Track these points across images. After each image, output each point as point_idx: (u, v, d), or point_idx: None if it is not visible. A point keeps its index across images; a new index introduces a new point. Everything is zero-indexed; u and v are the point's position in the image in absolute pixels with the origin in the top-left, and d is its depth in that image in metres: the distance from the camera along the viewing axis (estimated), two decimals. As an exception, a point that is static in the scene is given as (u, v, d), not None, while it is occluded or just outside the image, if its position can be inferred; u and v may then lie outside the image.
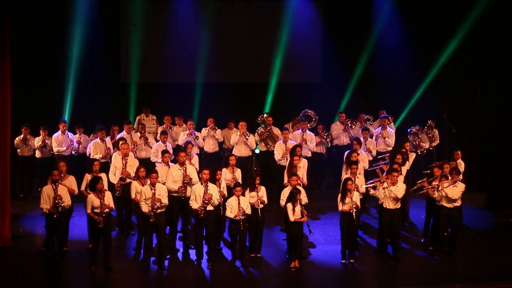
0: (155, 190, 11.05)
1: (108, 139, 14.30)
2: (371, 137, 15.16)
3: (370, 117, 16.17)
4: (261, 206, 11.58)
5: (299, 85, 18.63)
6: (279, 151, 14.01)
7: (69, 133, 14.98)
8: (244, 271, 11.27)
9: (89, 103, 17.29)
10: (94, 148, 13.96)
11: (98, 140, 14.10)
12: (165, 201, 11.15)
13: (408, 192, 12.30)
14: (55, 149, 14.79)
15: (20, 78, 15.87)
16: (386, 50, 18.02)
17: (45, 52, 16.92)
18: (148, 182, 11.29)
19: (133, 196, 11.61)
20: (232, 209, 11.27)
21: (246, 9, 18.27)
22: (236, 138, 14.81)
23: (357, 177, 12.06)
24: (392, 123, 16.08)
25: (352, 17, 18.18)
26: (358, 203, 11.51)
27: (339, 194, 11.53)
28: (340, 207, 11.45)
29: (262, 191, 11.68)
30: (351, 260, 11.56)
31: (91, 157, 13.79)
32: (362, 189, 12.03)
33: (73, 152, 14.83)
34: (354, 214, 11.35)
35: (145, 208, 11.02)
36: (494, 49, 15.46)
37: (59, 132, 14.85)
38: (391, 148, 14.99)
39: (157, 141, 14.67)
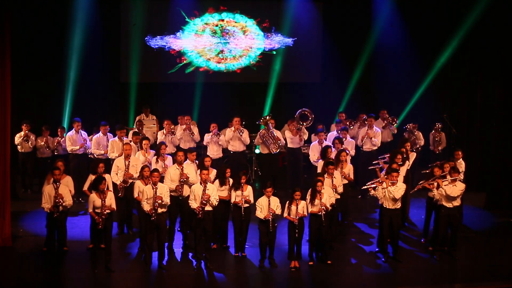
0: (156, 188, 11.06)
1: (125, 138, 14.24)
2: (353, 137, 15.22)
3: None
4: (246, 205, 11.56)
5: (299, 85, 18.66)
6: (314, 153, 13.94)
7: (82, 132, 14.97)
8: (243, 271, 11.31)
9: (89, 103, 17.31)
10: (112, 147, 13.91)
11: (116, 139, 14.03)
12: (167, 200, 11.16)
13: (408, 192, 12.29)
14: (68, 148, 14.79)
15: (20, 77, 15.89)
16: (386, 50, 18.04)
17: (45, 52, 16.96)
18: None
19: (135, 195, 11.59)
20: (262, 209, 11.24)
21: (246, 9, 18.29)
22: (230, 134, 14.82)
23: (334, 177, 11.97)
24: (394, 124, 16.10)
25: (352, 17, 18.20)
26: (328, 205, 11.33)
27: (308, 196, 11.39)
28: (310, 209, 11.31)
29: (248, 190, 11.65)
30: (329, 262, 11.48)
31: (108, 156, 13.83)
32: (340, 189, 12.00)
33: (87, 151, 14.81)
34: (323, 216, 11.23)
35: (146, 207, 11.03)
36: (494, 48, 15.46)
37: (73, 131, 14.83)
38: (376, 148, 15.14)
39: (155, 141, 14.63)
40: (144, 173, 11.57)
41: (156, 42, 17.89)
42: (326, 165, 12.07)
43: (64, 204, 10.90)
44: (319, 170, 12.86)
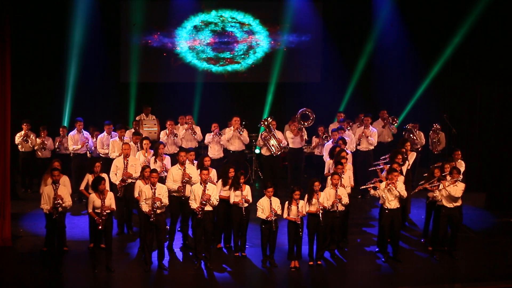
0: (155, 189, 11.04)
1: (125, 138, 14.24)
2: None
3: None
4: (246, 205, 11.57)
5: (299, 85, 18.66)
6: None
7: (84, 132, 14.97)
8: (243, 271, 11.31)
9: (89, 103, 17.30)
10: (112, 146, 13.92)
11: (116, 138, 14.06)
12: (165, 200, 11.14)
13: (408, 192, 12.29)
14: (70, 148, 14.81)
15: (20, 77, 15.89)
16: (386, 50, 18.05)
17: (45, 52, 16.94)
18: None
19: (136, 195, 11.59)
20: (263, 210, 11.25)
21: (247, 9, 18.29)
22: (230, 133, 14.82)
23: (342, 177, 11.96)
24: (394, 124, 16.12)
25: (352, 17, 18.20)
26: (326, 204, 11.33)
27: (306, 195, 11.40)
28: (307, 208, 11.32)
29: (247, 190, 11.66)
30: (319, 262, 11.48)
31: (109, 155, 13.86)
32: (348, 189, 11.99)
33: (88, 151, 14.79)
34: (320, 216, 11.22)
35: (145, 207, 11.02)
36: (494, 48, 15.45)
37: (75, 130, 14.85)
38: (373, 147, 15.15)
39: (155, 141, 14.61)
40: (145, 173, 11.56)
41: (156, 41, 17.90)
42: (335, 164, 12.10)
43: (63, 205, 10.88)
44: (326, 169, 12.91)
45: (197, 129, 15.25)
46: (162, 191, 11.14)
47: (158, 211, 11.01)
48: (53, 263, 10.99)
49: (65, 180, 11.65)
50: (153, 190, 11.01)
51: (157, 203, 10.93)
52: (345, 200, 11.62)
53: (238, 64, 18.44)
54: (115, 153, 13.72)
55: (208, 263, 11.25)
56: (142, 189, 11.23)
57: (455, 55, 16.89)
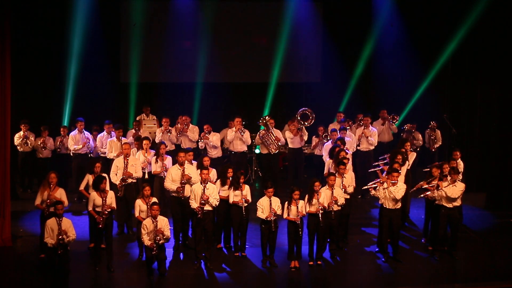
0: (156, 222, 10.80)
1: (124, 138, 14.24)
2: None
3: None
4: (245, 204, 11.56)
5: (299, 85, 18.66)
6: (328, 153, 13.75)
7: (85, 132, 14.96)
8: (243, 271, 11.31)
9: (89, 103, 17.30)
10: (110, 146, 13.92)
11: (114, 138, 14.06)
12: (167, 233, 10.90)
13: (408, 192, 12.30)
14: (71, 148, 14.77)
15: (20, 78, 15.87)
16: (386, 50, 18.05)
17: (45, 52, 16.94)
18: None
19: (136, 214, 11.36)
20: (263, 210, 11.25)
21: (246, 9, 18.29)
22: (232, 134, 14.82)
23: (345, 177, 11.99)
24: (394, 124, 16.11)
25: (352, 17, 18.20)
26: (326, 205, 11.33)
27: (306, 196, 11.39)
28: (307, 209, 11.31)
29: (246, 189, 11.66)
30: (319, 262, 11.48)
31: (106, 155, 13.87)
32: (350, 189, 12.01)
33: (88, 152, 14.77)
34: (320, 216, 11.21)
35: (147, 242, 10.77)
36: (494, 49, 15.45)
37: (76, 130, 14.83)
38: (373, 147, 15.15)
39: (155, 142, 14.62)
40: (145, 192, 11.30)
41: (156, 41, 17.90)
42: (338, 164, 12.08)
43: (67, 239, 10.36)
44: (326, 169, 12.90)
45: (195, 129, 15.22)
46: (163, 224, 10.88)
47: (161, 242, 10.78)
48: (53, 263, 10.86)
49: (60, 193, 11.28)
50: (154, 223, 10.78)
51: (159, 235, 10.72)
52: (341, 201, 11.60)
53: (238, 63, 18.42)
54: (113, 153, 13.72)
55: (208, 263, 11.25)
56: (143, 223, 10.90)
57: (455, 56, 16.89)
